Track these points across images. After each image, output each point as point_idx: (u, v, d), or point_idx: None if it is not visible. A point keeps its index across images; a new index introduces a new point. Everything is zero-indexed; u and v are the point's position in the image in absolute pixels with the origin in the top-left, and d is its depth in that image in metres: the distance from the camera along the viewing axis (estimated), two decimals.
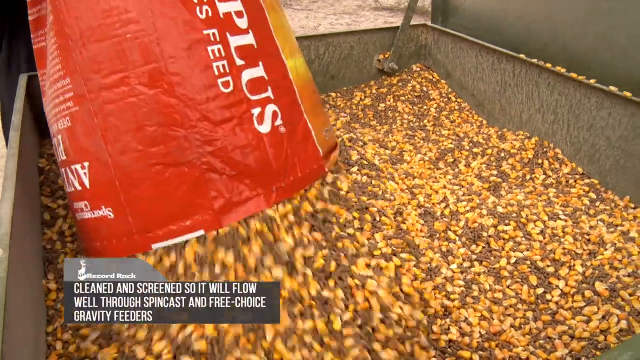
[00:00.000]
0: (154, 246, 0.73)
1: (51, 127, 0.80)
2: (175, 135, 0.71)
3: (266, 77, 0.77)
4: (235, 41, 0.75)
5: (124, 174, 0.72)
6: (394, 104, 1.67)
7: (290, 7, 5.12)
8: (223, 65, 0.73)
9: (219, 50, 0.73)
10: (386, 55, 1.77)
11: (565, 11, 1.38)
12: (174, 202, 0.72)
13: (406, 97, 1.69)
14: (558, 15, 1.40)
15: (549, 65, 1.35)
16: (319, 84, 1.70)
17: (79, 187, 0.76)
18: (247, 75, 0.75)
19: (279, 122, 0.77)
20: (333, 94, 1.72)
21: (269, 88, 0.77)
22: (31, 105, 1.21)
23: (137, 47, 0.70)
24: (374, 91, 1.72)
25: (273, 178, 0.76)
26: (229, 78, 0.73)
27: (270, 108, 0.77)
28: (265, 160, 0.75)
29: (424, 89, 1.73)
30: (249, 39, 0.77)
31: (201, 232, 0.72)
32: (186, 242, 0.73)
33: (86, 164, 0.74)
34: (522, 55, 1.43)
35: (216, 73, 0.72)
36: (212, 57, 0.72)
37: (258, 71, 0.77)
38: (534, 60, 1.39)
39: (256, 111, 0.75)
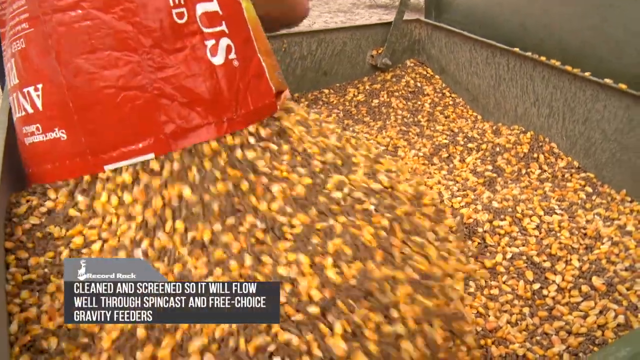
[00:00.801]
0: (107, 167, 0.74)
1: (6, 53, 0.81)
2: (129, 61, 0.73)
3: (220, 12, 0.80)
4: None
5: (77, 96, 0.73)
6: (388, 99, 1.65)
7: None
8: None
9: None
10: (379, 51, 1.75)
11: (562, 4, 1.37)
12: (126, 125, 0.74)
13: (400, 92, 1.68)
14: (554, 8, 1.39)
15: (543, 58, 1.34)
16: (311, 81, 1.69)
17: (30, 110, 0.77)
18: (201, 8, 0.77)
19: (232, 55, 0.80)
20: (326, 91, 1.70)
21: (224, 23, 0.80)
22: None
23: None
24: (367, 87, 1.71)
25: (224, 108, 0.78)
26: (183, 9, 0.75)
27: (225, 41, 0.79)
28: (217, 90, 0.77)
29: (418, 84, 1.71)
30: None
31: (152, 156, 0.74)
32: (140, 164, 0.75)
33: (40, 85, 0.75)
34: (516, 49, 1.42)
35: (171, 4, 0.75)
36: None
37: (212, 6, 0.79)
38: (529, 54, 1.38)
39: (210, 43, 0.78)
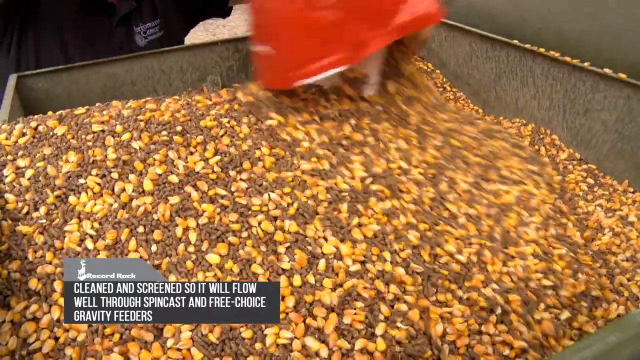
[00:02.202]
0: (295, 84, 0.86)
1: None
2: None
3: None
4: None
5: (277, 17, 0.85)
6: None
7: None
8: None
9: None
10: None
11: None
12: (320, 41, 0.83)
13: None
14: None
15: (542, 50, 1.33)
16: None
17: (251, 22, 0.92)
18: None
19: None
20: None
21: None
22: (23, 106, 1.20)
23: None
24: None
25: (387, 20, 0.85)
26: None
27: None
28: (382, 4, 0.85)
29: None
30: None
31: (341, 68, 0.84)
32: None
33: (250, 5, 0.90)
34: (515, 41, 1.41)
35: None
36: None
37: None
38: (528, 46, 1.37)
39: None
